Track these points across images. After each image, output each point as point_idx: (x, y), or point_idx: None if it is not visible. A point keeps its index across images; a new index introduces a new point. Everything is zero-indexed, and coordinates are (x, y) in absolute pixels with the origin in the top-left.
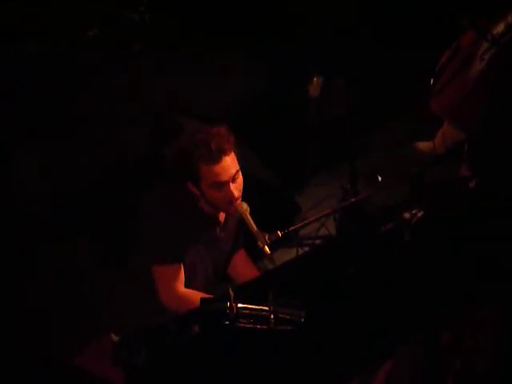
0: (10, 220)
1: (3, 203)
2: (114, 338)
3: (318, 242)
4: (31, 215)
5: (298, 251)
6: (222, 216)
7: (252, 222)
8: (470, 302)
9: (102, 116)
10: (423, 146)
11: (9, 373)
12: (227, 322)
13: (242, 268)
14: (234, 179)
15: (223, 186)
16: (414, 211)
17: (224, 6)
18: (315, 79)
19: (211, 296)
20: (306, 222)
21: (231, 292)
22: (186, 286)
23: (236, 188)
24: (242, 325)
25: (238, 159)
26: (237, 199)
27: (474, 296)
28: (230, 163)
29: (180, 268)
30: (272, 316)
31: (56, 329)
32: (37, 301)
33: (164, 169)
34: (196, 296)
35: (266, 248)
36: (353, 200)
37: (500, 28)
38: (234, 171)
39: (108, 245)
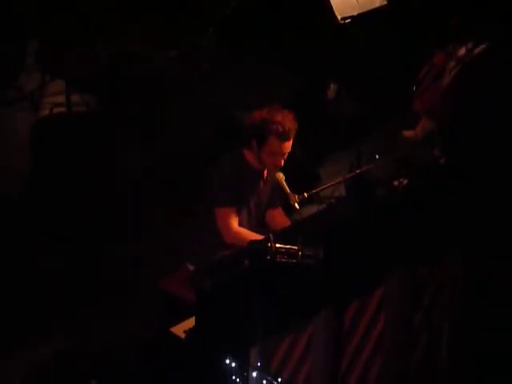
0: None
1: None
2: (190, 267)
3: (332, 200)
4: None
5: (318, 208)
6: (265, 173)
7: (286, 186)
8: (441, 249)
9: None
10: (408, 133)
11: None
12: (268, 257)
13: (280, 220)
14: (284, 154)
15: (278, 155)
16: (400, 180)
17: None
18: (332, 86)
19: (258, 238)
20: (324, 186)
21: (271, 236)
22: None
23: (283, 159)
24: (278, 259)
25: None
26: (281, 166)
27: (444, 244)
28: (289, 144)
29: (235, 211)
30: (300, 253)
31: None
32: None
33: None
34: (246, 233)
35: (296, 205)
36: (357, 172)
37: (462, 51)
38: (288, 150)
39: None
